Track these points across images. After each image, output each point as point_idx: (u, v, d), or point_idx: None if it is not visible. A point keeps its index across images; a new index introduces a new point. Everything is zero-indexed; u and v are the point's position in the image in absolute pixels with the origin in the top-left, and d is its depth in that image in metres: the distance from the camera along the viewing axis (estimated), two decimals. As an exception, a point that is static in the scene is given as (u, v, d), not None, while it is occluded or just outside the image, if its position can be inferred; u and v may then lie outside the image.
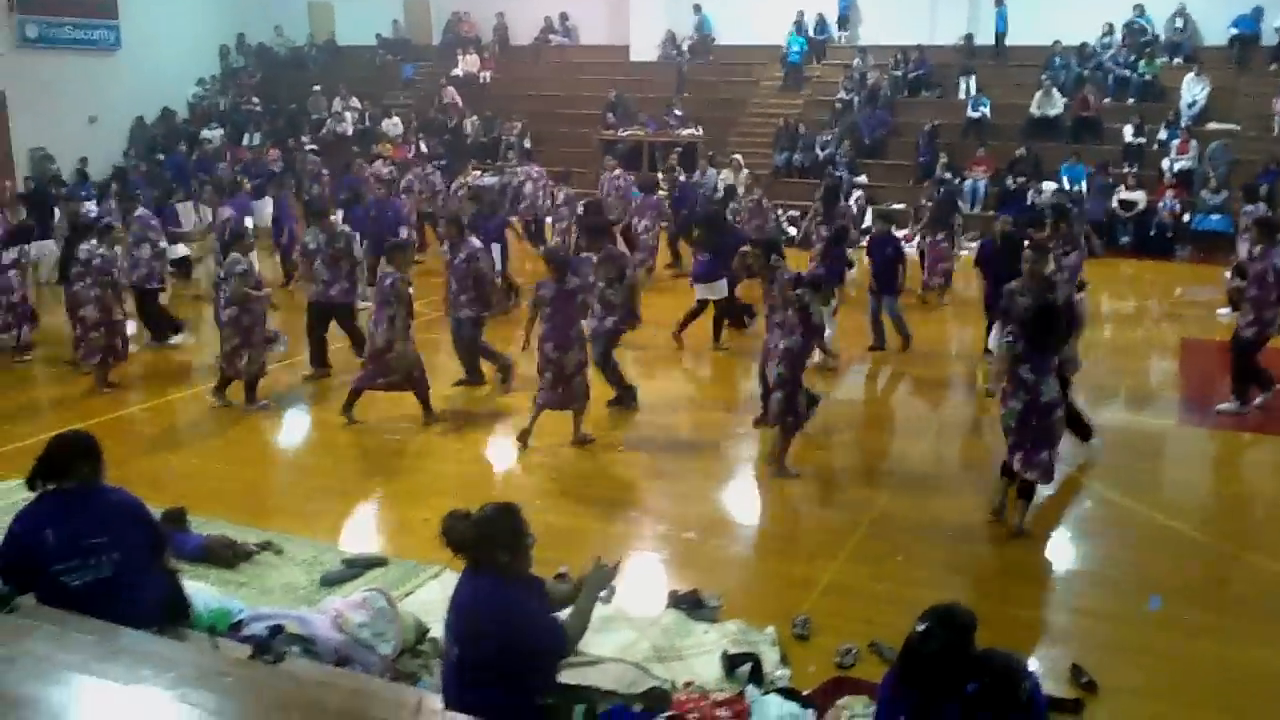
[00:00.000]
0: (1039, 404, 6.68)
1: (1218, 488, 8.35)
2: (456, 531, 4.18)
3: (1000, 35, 22.04)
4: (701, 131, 22.16)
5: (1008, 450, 6.94)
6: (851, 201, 17.13)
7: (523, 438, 8.46)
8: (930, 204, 14.71)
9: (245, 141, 24.30)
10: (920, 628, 3.52)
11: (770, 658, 5.33)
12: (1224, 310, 13.62)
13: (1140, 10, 21.18)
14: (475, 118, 24.18)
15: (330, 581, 6.15)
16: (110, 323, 10.01)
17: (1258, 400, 9.40)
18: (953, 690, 3.48)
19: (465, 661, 4.10)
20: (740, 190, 16.46)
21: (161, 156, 23.10)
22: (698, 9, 24.66)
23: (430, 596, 5.93)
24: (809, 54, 23.48)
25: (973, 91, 21.28)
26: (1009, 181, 18.78)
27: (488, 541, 4.13)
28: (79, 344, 10.27)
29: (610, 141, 22.23)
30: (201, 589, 5.41)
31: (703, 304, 11.47)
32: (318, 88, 25.97)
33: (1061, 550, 6.99)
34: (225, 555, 6.36)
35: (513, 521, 4.18)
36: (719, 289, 11.32)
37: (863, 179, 19.87)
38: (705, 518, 7.40)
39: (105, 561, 4.43)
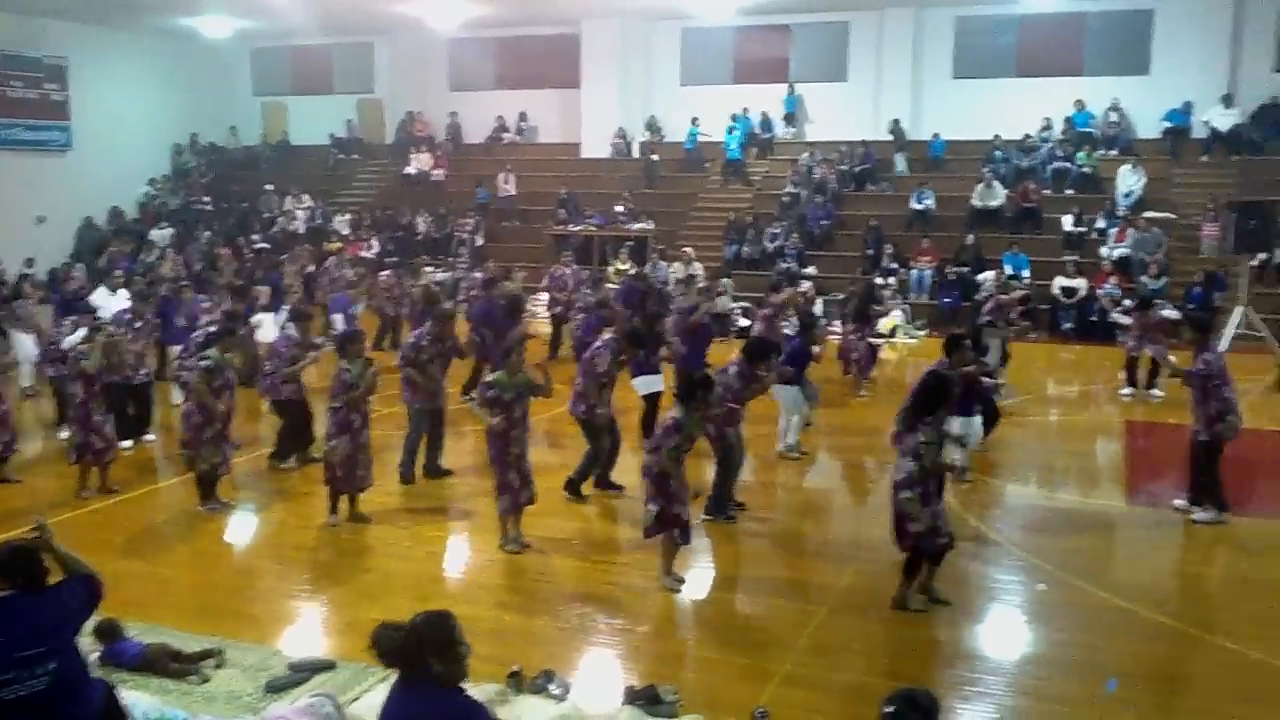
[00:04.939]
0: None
1: (1169, 568, 8.39)
2: (387, 640, 4.09)
3: (936, 158, 22.86)
4: (652, 225, 22.48)
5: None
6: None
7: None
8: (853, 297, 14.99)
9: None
10: (888, 709, 3.66)
11: (729, 753, 5.24)
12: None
13: (1081, 105, 21.97)
14: (428, 215, 24.37)
15: (276, 688, 5.97)
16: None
17: (1201, 516, 8.86)
18: None
19: None
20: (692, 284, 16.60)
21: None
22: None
23: (379, 699, 5.69)
24: (753, 150, 24.02)
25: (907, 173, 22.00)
26: (947, 270, 19.20)
27: (419, 649, 4.00)
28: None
29: (561, 236, 22.48)
30: (141, 698, 5.25)
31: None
32: (270, 186, 26.10)
33: (1018, 634, 6.97)
34: (166, 664, 6.17)
35: (446, 629, 4.05)
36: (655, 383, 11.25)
37: (812, 270, 20.22)
38: (659, 610, 7.32)
39: (42, 674, 4.29)
